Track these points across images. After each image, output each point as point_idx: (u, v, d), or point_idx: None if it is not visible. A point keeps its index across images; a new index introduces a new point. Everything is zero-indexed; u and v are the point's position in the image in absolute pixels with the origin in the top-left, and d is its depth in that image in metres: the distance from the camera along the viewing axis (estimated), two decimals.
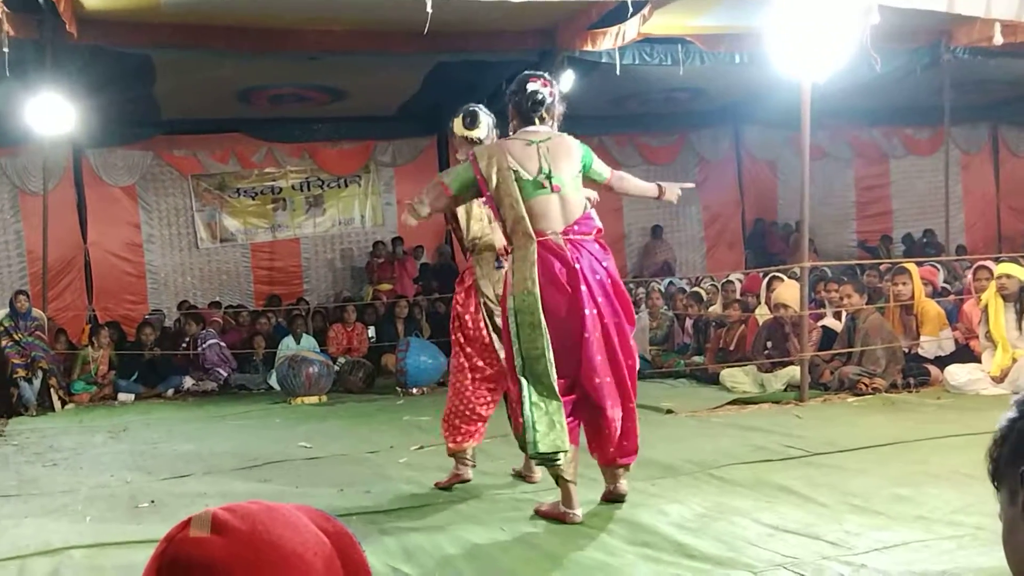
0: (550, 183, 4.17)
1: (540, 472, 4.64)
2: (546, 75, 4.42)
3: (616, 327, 4.19)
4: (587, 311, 4.07)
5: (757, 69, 9.80)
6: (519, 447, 4.23)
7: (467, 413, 4.92)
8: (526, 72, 4.43)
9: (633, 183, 4.62)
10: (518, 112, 4.35)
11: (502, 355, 4.72)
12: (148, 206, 13.86)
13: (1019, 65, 11.74)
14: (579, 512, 4.07)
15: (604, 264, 4.21)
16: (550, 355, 4.03)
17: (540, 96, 4.28)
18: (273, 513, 1.00)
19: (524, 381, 4.05)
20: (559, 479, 4.11)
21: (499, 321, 4.70)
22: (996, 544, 3.41)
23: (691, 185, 4.90)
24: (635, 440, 4.29)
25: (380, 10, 9.25)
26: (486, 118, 4.93)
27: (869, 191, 16.53)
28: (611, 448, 4.20)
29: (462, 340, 5.00)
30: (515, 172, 4.16)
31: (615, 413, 4.16)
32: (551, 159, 4.20)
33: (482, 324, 4.87)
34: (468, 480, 4.91)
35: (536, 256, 4.09)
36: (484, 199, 4.40)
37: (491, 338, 4.83)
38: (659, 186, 4.69)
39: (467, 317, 4.95)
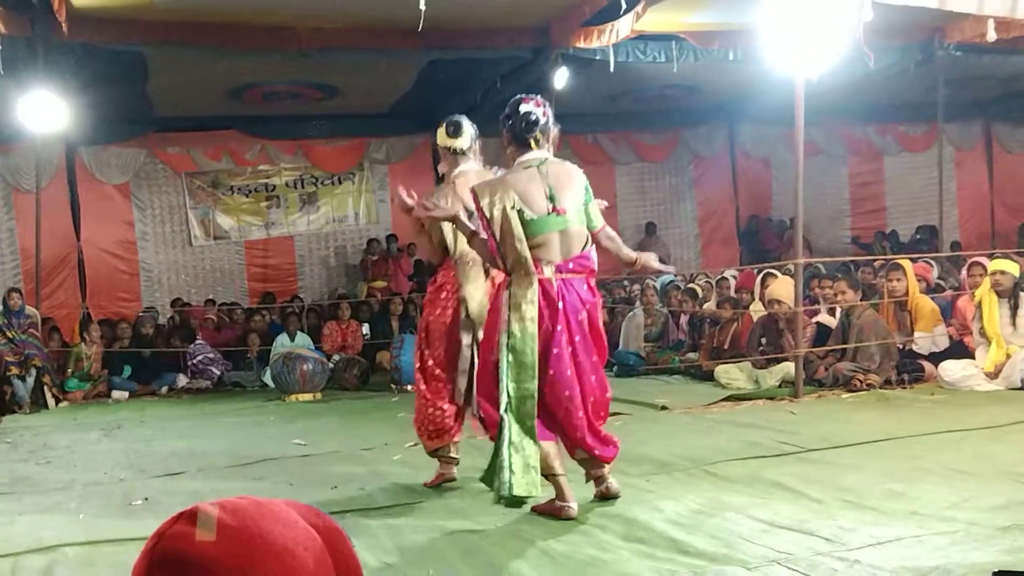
0: (554, 206, 4.14)
1: None
2: (539, 97, 4.39)
3: (590, 364, 4.23)
4: (554, 349, 4.09)
5: (751, 66, 9.81)
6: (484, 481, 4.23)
7: (433, 415, 4.91)
8: (518, 96, 4.40)
9: (618, 244, 4.51)
10: (512, 136, 4.29)
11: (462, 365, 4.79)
12: (141, 204, 13.84)
13: (1012, 62, 11.77)
14: (574, 504, 4.07)
15: (587, 306, 4.23)
16: (536, 396, 4.06)
17: (534, 117, 4.23)
18: (263, 508, 0.99)
19: (507, 418, 4.04)
20: (548, 476, 4.12)
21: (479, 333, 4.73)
22: (989, 540, 3.44)
23: (671, 269, 4.89)
24: (610, 436, 4.31)
25: (373, 7, 9.24)
26: (469, 128, 4.92)
27: (863, 188, 16.56)
28: (582, 437, 4.20)
29: (423, 345, 5.01)
30: (520, 212, 4.12)
31: (581, 429, 4.18)
32: (555, 183, 4.17)
33: (453, 331, 4.86)
34: (454, 479, 4.89)
35: (536, 295, 4.09)
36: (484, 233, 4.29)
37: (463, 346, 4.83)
38: (638, 255, 4.57)
39: (435, 324, 4.95)
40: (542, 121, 4.26)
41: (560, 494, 4.10)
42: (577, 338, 4.15)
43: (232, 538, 0.94)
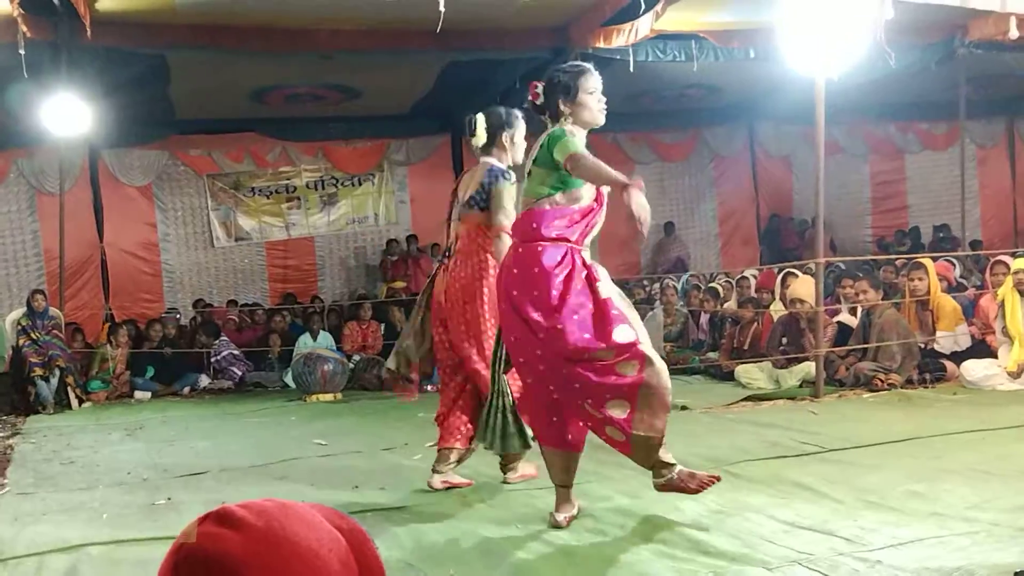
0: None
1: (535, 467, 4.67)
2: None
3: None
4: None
5: (771, 65, 9.76)
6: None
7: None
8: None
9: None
10: None
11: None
12: (164, 205, 13.93)
13: None
14: (562, 517, 3.97)
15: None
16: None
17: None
18: (288, 510, 1.01)
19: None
20: (558, 485, 4.11)
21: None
22: (1012, 540, 3.42)
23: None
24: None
25: (393, 9, 9.26)
26: (483, 122, 4.86)
27: (884, 186, 16.47)
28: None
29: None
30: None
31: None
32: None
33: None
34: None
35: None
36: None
37: None
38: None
39: None
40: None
41: (557, 504, 4.06)
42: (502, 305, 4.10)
43: (258, 539, 0.96)
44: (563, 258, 3.93)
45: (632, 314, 3.99)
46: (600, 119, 4.30)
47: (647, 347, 3.86)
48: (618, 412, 3.77)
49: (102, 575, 3.69)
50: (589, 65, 4.40)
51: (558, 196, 4.01)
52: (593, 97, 4.28)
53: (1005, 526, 3.57)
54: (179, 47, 9.85)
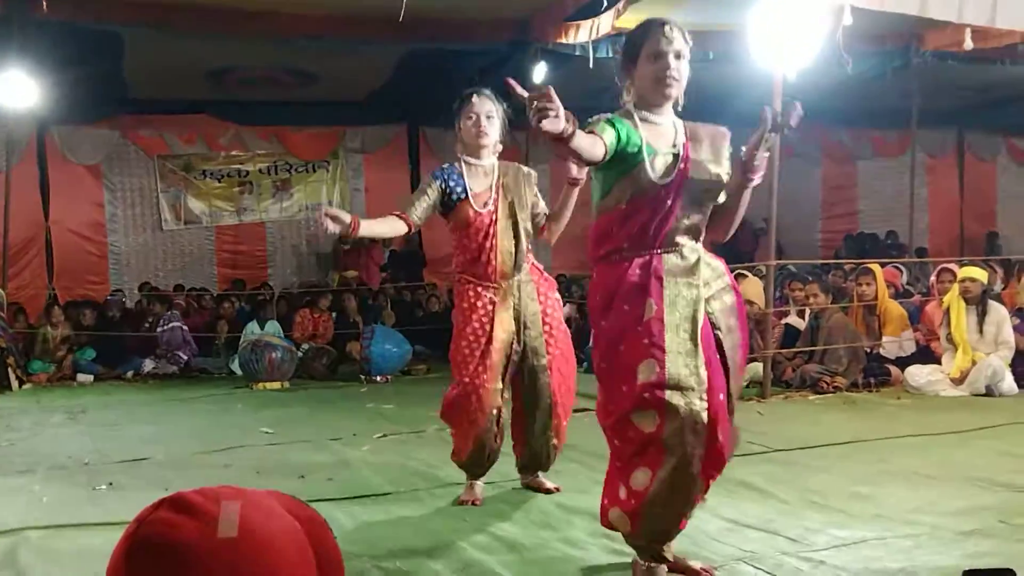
0: None
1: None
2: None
3: None
4: None
5: (729, 66, 9.83)
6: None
7: None
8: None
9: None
10: None
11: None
12: (112, 186, 13.71)
13: (988, 71, 11.86)
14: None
15: None
16: None
17: None
18: (244, 498, 0.99)
19: None
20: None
21: None
22: (952, 543, 3.47)
23: None
24: None
25: None
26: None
27: (836, 191, 16.68)
28: None
29: None
30: None
31: None
32: None
33: None
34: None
35: None
36: None
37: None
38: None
39: None
40: None
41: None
42: None
43: (213, 527, 0.94)
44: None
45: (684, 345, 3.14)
46: (663, 92, 3.17)
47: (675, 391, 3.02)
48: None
49: (41, 559, 3.61)
50: (668, 17, 3.15)
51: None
52: (655, 65, 3.12)
53: (946, 529, 3.64)
54: (135, 24, 9.67)
